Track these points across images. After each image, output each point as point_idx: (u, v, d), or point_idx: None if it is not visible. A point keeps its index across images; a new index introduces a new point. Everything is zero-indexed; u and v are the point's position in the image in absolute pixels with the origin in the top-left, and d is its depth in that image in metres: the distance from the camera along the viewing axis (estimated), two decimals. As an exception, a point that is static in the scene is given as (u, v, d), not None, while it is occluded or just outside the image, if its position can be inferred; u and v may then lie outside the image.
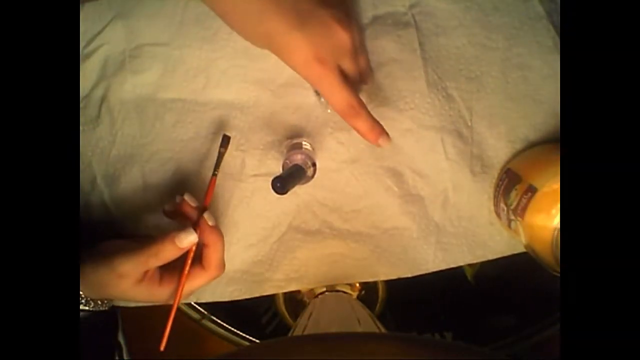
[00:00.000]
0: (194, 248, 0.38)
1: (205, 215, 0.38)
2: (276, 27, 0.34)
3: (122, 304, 0.44)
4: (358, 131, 0.38)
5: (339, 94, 0.36)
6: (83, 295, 0.37)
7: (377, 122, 0.38)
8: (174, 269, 0.39)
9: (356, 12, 0.42)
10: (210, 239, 0.38)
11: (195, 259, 0.39)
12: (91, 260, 0.36)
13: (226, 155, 0.43)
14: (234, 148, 0.43)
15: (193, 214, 0.39)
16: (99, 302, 0.39)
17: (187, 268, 0.38)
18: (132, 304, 0.44)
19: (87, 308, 0.38)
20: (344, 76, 0.36)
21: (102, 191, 0.44)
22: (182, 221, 0.39)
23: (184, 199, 0.39)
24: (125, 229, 0.45)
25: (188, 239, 0.37)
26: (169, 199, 0.41)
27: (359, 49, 0.39)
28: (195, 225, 0.38)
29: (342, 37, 0.35)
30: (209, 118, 0.43)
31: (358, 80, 0.39)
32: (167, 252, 0.36)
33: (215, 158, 0.41)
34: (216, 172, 0.40)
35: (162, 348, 0.37)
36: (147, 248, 0.36)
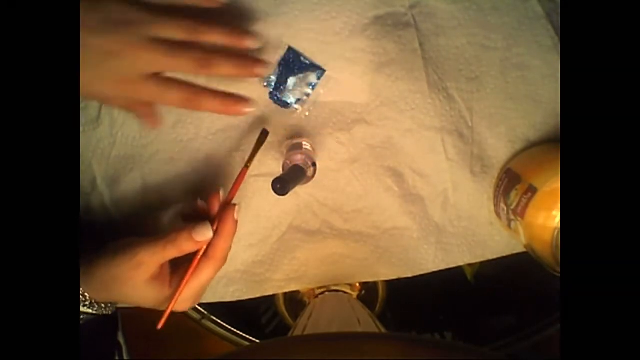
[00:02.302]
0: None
1: (236, 208, 0.38)
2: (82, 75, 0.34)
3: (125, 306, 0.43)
4: (214, 111, 0.38)
5: (168, 96, 0.37)
6: (88, 297, 0.37)
7: (229, 95, 0.38)
8: (181, 274, 0.38)
9: (356, 12, 0.42)
10: (226, 229, 0.37)
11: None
12: (109, 251, 0.36)
13: (226, 156, 0.43)
14: (234, 148, 0.43)
15: (214, 202, 0.38)
16: (103, 305, 0.38)
17: (199, 257, 0.37)
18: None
19: (90, 311, 0.38)
20: (165, 79, 0.37)
21: (103, 192, 0.44)
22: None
23: (207, 200, 0.38)
24: (125, 229, 0.45)
25: (204, 234, 0.36)
26: (169, 200, 0.41)
27: (182, 30, 0.37)
28: (219, 215, 0.37)
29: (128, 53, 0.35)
30: (209, 119, 0.43)
31: (210, 58, 0.37)
32: (184, 243, 0.36)
33: (219, 157, 0.40)
34: (248, 164, 0.39)
35: (159, 326, 0.36)
36: (166, 237, 0.36)
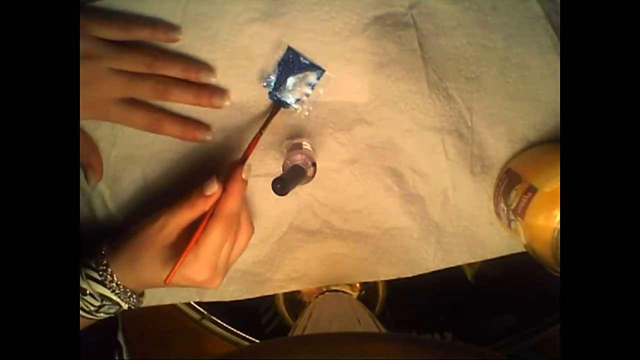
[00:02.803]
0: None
1: (245, 166, 0.38)
2: None
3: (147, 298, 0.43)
4: (173, 136, 0.42)
5: (132, 119, 0.41)
6: (118, 282, 0.38)
7: (187, 121, 0.42)
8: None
9: (356, 12, 0.42)
10: (232, 186, 0.37)
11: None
12: (130, 231, 0.38)
13: (226, 155, 0.43)
14: (234, 148, 0.43)
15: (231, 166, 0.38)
16: (129, 293, 0.39)
17: (208, 216, 0.37)
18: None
19: (118, 300, 0.38)
20: (131, 103, 0.40)
21: (103, 192, 0.44)
22: None
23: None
24: (125, 229, 0.45)
25: (210, 187, 0.36)
26: (169, 200, 0.41)
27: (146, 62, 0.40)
28: (228, 174, 0.37)
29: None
30: (209, 118, 0.43)
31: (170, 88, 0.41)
32: (196, 201, 0.37)
33: (219, 157, 0.41)
34: (262, 131, 0.41)
35: (167, 282, 0.36)
36: (181, 201, 0.37)
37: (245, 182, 0.37)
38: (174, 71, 0.41)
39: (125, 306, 0.39)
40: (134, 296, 0.39)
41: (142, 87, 0.40)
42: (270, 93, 0.43)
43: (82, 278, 0.38)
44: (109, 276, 0.38)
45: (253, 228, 0.41)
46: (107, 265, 0.38)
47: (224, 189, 0.37)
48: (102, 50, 0.39)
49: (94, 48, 0.39)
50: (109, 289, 0.38)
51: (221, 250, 0.37)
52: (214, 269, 0.37)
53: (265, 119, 0.42)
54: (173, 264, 0.36)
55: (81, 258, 0.39)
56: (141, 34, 0.41)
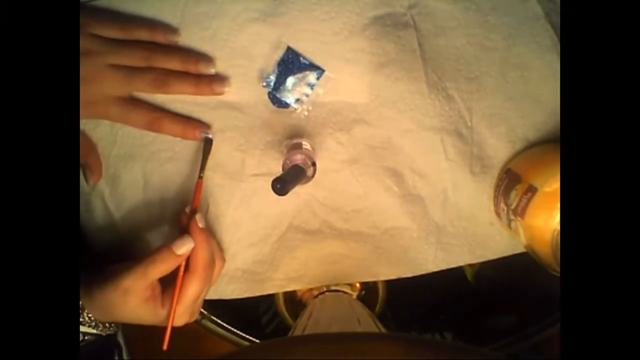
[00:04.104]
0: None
1: (197, 217, 0.39)
2: None
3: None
4: (174, 135, 0.42)
5: (132, 118, 0.41)
6: (92, 318, 0.38)
7: (188, 120, 0.42)
8: (171, 292, 0.38)
9: (355, 12, 0.42)
10: (197, 239, 0.38)
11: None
12: (98, 281, 0.37)
13: (226, 156, 0.43)
14: (234, 148, 0.43)
15: (184, 218, 0.39)
16: (107, 325, 0.39)
17: (181, 274, 0.38)
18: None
19: (94, 331, 0.38)
20: (130, 102, 0.41)
21: (103, 191, 0.44)
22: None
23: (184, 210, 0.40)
24: (125, 229, 0.45)
25: (185, 246, 0.37)
26: (168, 199, 0.41)
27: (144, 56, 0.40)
28: (187, 228, 0.38)
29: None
30: (209, 118, 0.43)
31: (178, 79, 0.41)
32: (165, 260, 0.36)
33: (219, 157, 0.41)
34: (201, 175, 0.41)
35: (164, 347, 0.37)
36: (146, 259, 0.36)
37: (204, 230, 0.39)
38: (173, 63, 0.41)
39: (103, 333, 0.39)
40: (112, 326, 0.40)
41: (142, 81, 0.40)
42: (269, 93, 0.43)
43: None
44: (86, 316, 0.37)
45: (224, 259, 0.42)
46: (82, 309, 0.37)
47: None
48: (100, 46, 0.39)
49: (92, 45, 0.39)
50: (85, 324, 0.38)
51: (199, 297, 0.39)
52: (192, 313, 0.39)
53: (204, 160, 0.42)
54: (148, 313, 0.37)
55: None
56: (140, 35, 0.41)
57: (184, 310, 0.38)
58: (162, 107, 0.43)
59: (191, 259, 0.38)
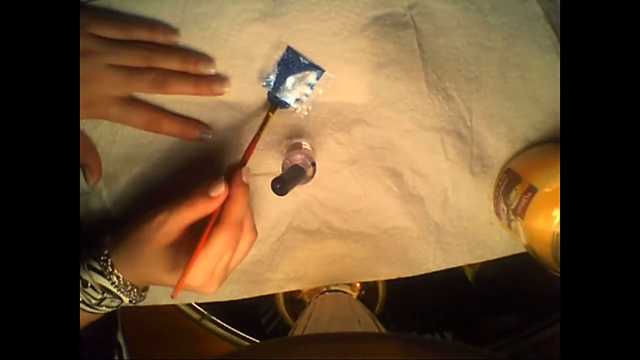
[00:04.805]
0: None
1: (243, 169, 0.37)
2: None
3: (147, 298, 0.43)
4: (173, 135, 0.42)
5: (131, 118, 0.41)
6: (124, 282, 0.37)
7: (187, 120, 0.42)
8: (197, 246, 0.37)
9: (355, 12, 0.42)
10: (234, 191, 0.36)
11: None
12: (134, 221, 0.37)
13: (225, 155, 0.43)
14: (234, 148, 0.43)
15: (231, 169, 0.38)
16: (136, 291, 0.39)
17: (211, 223, 0.36)
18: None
19: (119, 294, 0.38)
20: (129, 102, 0.41)
21: (102, 190, 0.44)
22: None
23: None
24: (124, 228, 0.45)
25: (217, 188, 0.35)
26: (168, 199, 0.41)
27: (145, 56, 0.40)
28: (229, 179, 0.37)
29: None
30: (209, 118, 0.43)
31: (174, 80, 0.41)
32: (199, 201, 0.36)
33: (219, 157, 0.41)
34: (260, 132, 0.40)
35: (174, 295, 0.35)
36: (182, 200, 0.36)
37: (247, 185, 0.37)
38: (173, 64, 0.41)
39: (126, 300, 0.39)
40: (135, 290, 0.39)
41: (141, 81, 0.40)
42: (269, 93, 0.43)
43: (85, 269, 0.37)
44: (109, 267, 0.37)
45: (256, 233, 0.39)
46: (108, 256, 0.37)
47: (228, 196, 0.36)
48: (100, 46, 0.39)
49: (92, 45, 0.39)
50: (109, 280, 0.37)
51: (222, 258, 0.36)
52: (211, 276, 0.36)
53: (263, 119, 0.41)
54: (171, 262, 0.36)
55: (84, 248, 0.39)
56: (140, 35, 0.41)
57: (204, 265, 0.35)
58: (162, 107, 0.43)
59: (224, 210, 0.36)
